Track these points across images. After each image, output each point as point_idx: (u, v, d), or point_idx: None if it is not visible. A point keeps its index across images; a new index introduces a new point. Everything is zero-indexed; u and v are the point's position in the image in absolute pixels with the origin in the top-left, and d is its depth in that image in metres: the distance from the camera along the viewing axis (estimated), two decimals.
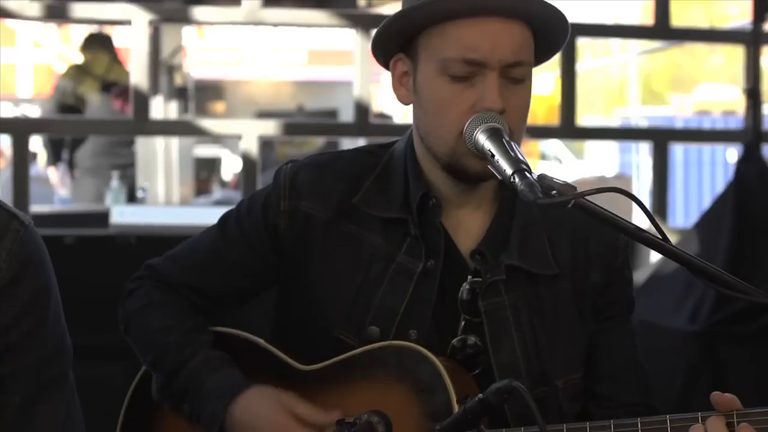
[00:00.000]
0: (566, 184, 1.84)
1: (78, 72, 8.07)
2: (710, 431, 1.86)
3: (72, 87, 7.93)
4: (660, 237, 1.86)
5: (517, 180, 1.87)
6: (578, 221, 2.15)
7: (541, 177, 1.86)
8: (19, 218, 1.72)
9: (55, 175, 8.24)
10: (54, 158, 8.23)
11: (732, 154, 11.35)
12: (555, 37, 2.11)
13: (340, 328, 2.15)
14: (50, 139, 8.21)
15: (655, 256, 4.73)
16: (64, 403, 1.73)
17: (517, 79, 2.05)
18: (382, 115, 10.06)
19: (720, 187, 5.72)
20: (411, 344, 2.08)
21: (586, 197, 1.84)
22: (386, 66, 2.17)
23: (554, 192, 1.83)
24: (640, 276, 4.53)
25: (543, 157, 15.74)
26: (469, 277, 2.14)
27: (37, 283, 1.71)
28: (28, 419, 1.69)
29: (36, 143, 10.02)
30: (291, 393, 2.10)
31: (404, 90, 2.14)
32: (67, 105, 7.83)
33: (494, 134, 1.97)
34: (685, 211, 12.32)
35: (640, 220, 4.51)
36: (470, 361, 2.13)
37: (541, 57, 2.15)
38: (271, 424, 2.07)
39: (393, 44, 2.13)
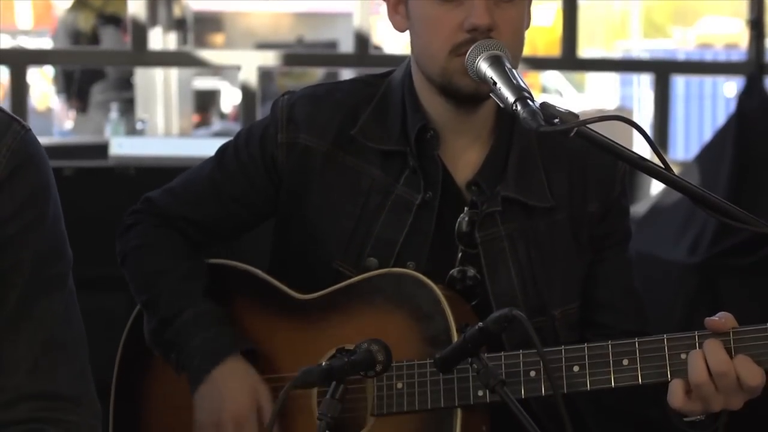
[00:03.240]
0: (569, 112, 1.83)
1: (79, 5, 8.03)
2: (708, 354, 1.88)
3: (73, 20, 7.90)
4: (662, 166, 1.85)
5: (519, 108, 1.86)
6: (576, 151, 2.15)
7: (544, 105, 1.85)
8: (20, 122, 1.74)
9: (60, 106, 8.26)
10: (65, 90, 8.24)
11: (731, 87, 11.29)
12: None
13: (339, 260, 2.16)
14: (63, 71, 8.20)
15: (655, 188, 4.73)
16: (62, 303, 1.75)
17: None
18: (379, 48, 10.00)
19: (721, 120, 5.69)
20: (410, 271, 2.09)
21: (587, 126, 1.83)
22: None
23: (556, 120, 1.82)
24: (640, 208, 4.52)
25: (544, 90, 15.67)
26: (466, 208, 2.14)
27: (37, 180, 1.73)
28: (27, 313, 1.70)
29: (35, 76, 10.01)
30: (266, 386, 2.12)
31: (399, 17, 2.15)
32: (78, 40, 7.82)
33: (496, 62, 1.96)
34: (686, 145, 12.28)
35: (641, 151, 4.49)
36: (468, 293, 2.14)
37: None
38: (234, 405, 2.09)
39: None
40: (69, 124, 8.20)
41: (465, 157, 2.16)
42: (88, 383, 1.78)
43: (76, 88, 7.99)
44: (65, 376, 1.73)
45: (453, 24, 2.03)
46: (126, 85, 7.68)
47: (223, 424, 2.10)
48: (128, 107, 7.42)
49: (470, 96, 2.06)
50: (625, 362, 1.94)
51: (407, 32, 2.15)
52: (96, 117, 7.67)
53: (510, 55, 2.00)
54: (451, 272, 2.14)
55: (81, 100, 7.99)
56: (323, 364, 1.72)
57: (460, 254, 2.14)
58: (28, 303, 1.71)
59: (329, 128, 2.19)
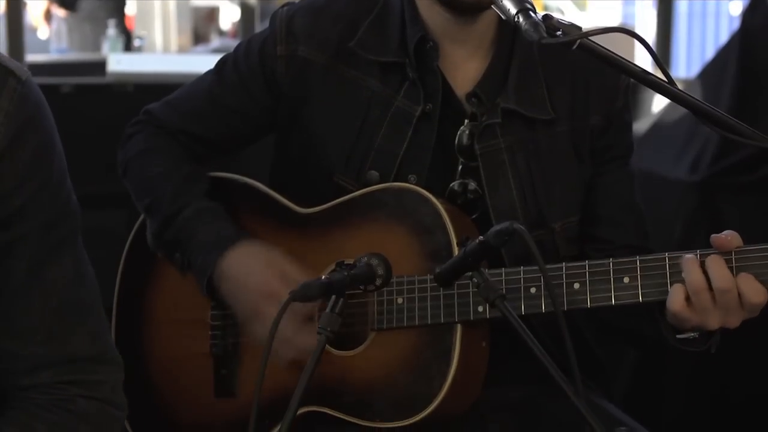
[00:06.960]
0: (571, 25, 1.81)
1: None
2: (710, 270, 1.87)
3: None
4: (665, 80, 1.83)
5: (521, 19, 1.83)
6: (579, 64, 2.13)
7: (546, 17, 1.82)
8: (16, 74, 1.62)
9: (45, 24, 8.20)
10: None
11: (735, 6, 11.19)
12: None
13: (340, 173, 2.15)
14: None
15: (657, 106, 4.70)
16: (72, 263, 1.69)
17: None
18: None
19: (724, 39, 5.64)
20: (411, 186, 2.08)
21: (590, 38, 1.81)
22: None
23: (559, 32, 1.80)
24: (641, 126, 4.50)
25: (545, 8, 15.55)
26: (467, 120, 2.13)
27: (39, 143, 1.64)
28: (38, 282, 1.65)
29: None
30: (281, 250, 2.10)
31: None
32: None
33: None
34: (688, 64, 12.20)
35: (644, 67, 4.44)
36: (469, 206, 2.13)
37: None
38: (258, 280, 2.07)
39: None
40: (59, 44, 8.11)
41: (465, 68, 2.15)
42: (106, 338, 1.74)
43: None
44: (82, 338, 1.69)
45: None
46: None
47: (257, 305, 2.06)
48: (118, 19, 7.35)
49: (472, 5, 2.03)
50: (626, 280, 1.94)
51: None
52: (82, 29, 7.60)
53: None
54: (451, 185, 2.14)
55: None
56: (323, 277, 1.71)
57: (460, 167, 2.13)
58: (38, 271, 1.65)
59: (329, 40, 2.17)
